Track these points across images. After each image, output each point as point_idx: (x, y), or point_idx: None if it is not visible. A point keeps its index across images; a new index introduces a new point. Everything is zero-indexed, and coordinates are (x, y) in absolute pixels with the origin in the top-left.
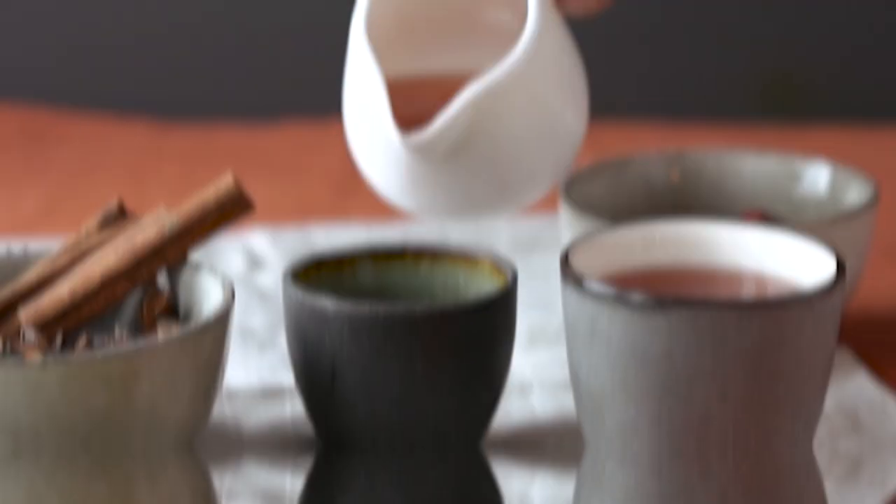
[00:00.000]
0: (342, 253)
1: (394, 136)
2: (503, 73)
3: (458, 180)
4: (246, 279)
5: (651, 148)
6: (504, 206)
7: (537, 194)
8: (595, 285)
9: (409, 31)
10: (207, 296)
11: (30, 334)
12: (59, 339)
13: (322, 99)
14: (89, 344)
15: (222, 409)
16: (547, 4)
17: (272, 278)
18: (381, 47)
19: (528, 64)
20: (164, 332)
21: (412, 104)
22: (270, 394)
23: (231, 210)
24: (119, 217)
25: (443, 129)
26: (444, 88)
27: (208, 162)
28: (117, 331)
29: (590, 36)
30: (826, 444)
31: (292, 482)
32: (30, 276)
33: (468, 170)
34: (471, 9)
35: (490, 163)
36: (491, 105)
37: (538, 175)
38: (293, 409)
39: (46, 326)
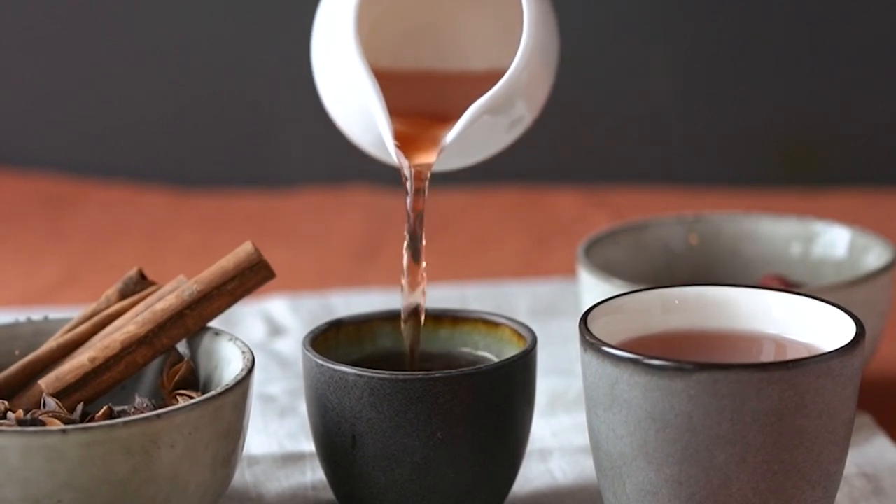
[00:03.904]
0: (361, 318)
1: (395, 157)
2: (504, 86)
3: (449, 154)
4: (265, 346)
5: (669, 213)
6: (491, 153)
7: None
8: (614, 349)
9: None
10: (227, 363)
11: (50, 402)
12: (79, 408)
13: (340, 167)
14: (110, 412)
15: (243, 475)
16: None
17: (292, 345)
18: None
19: (529, 61)
20: (185, 400)
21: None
22: (291, 460)
23: (251, 278)
24: (139, 285)
25: (446, 152)
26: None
27: (227, 229)
28: (138, 399)
29: (610, 102)
30: None
31: None
32: (50, 344)
33: (461, 146)
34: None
35: (485, 140)
36: (493, 110)
37: (526, 123)
38: (313, 475)
39: (67, 394)
